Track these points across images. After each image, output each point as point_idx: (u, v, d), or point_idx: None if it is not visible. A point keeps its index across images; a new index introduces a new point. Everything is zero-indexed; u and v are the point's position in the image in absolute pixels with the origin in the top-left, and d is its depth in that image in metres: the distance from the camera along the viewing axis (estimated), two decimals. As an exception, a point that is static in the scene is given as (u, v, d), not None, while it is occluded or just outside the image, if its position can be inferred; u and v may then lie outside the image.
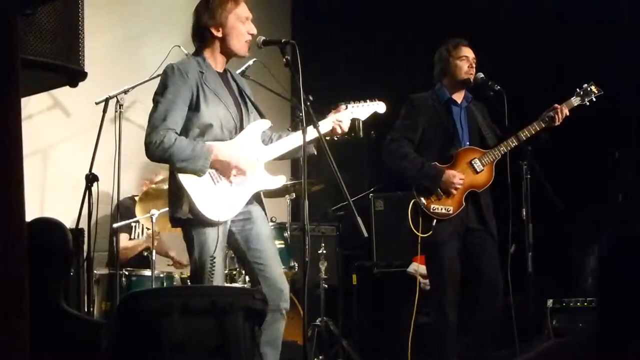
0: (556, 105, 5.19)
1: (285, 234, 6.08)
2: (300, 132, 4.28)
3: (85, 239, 5.49)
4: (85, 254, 5.48)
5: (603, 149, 6.35)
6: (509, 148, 5.15)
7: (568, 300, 5.60)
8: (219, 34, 4.26)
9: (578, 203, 5.80)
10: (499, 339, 5.39)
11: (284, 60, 4.13)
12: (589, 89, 5.27)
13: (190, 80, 4.15)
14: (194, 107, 4.16)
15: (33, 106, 5.95)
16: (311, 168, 4.19)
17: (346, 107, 4.53)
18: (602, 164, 6.34)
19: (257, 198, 4.40)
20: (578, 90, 5.28)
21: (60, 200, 6.08)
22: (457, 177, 5.11)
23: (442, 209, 5.14)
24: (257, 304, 3.35)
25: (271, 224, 6.01)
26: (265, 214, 4.41)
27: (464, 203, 5.14)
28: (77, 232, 5.33)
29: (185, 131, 4.16)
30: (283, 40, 4.19)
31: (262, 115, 4.46)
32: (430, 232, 5.12)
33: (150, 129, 4.11)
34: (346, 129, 4.40)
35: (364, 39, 7.71)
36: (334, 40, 7.82)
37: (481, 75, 5.27)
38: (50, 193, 6.19)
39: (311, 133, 4.19)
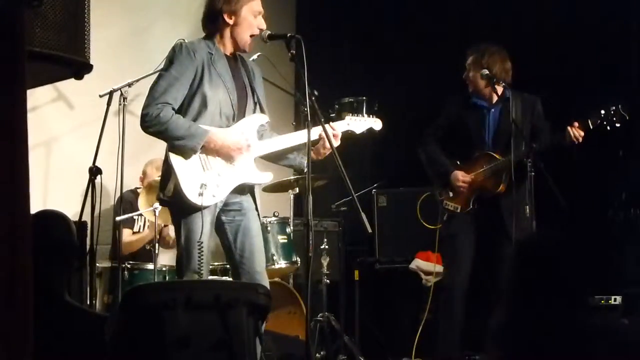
0: (575, 122, 5.07)
1: (288, 229, 6.07)
2: (298, 133, 4.35)
3: (88, 231, 5.49)
4: (87, 246, 5.48)
5: (607, 147, 6.33)
6: (517, 161, 5.06)
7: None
8: (231, 21, 4.31)
9: (582, 201, 5.79)
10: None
11: (289, 54, 4.13)
12: (612, 112, 5.04)
13: (196, 60, 4.21)
14: (197, 87, 4.20)
15: (37, 98, 5.94)
16: (314, 163, 4.18)
17: (344, 119, 4.64)
18: (607, 163, 6.32)
19: (250, 191, 4.41)
20: (603, 112, 5.06)
21: (63, 192, 6.07)
22: (461, 179, 5.33)
23: (451, 206, 5.41)
24: (260, 298, 3.35)
25: (274, 218, 6.05)
26: (257, 208, 4.42)
27: (471, 205, 5.33)
28: (80, 224, 5.33)
29: (183, 110, 4.20)
30: (289, 35, 4.19)
31: (262, 110, 4.47)
32: (440, 225, 5.41)
33: (149, 101, 4.17)
34: (335, 143, 4.28)
35: (368, 34, 7.69)
36: (339, 35, 7.81)
37: (486, 72, 5.28)
38: (54, 185, 6.18)
39: (293, 140, 4.34)
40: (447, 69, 6.47)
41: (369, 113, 4.83)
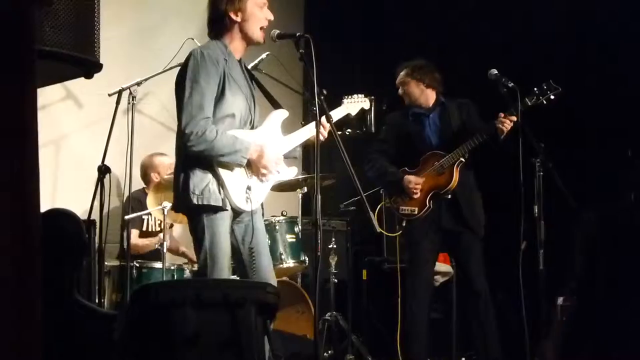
0: (501, 114, 5.31)
1: (296, 229, 6.07)
2: (305, 128, 4.40)
3: (97, 230, 5.49)
4: (96, 245, 5.49)
5: (616, 147, 6.32)
6: (465, 151, 5.43)
7: (578, 298, 5.59)
8: (238, 19, 4.26)
9: (590, 201, 5.78)
10: (510, 335, 5.41)
11: (299, 54, 4.12)
12: (544, 86, 5.35)
13: (219, 67, 4.16)
14: (220, 96, 4.16)
15: (46, 97, 5.95)
16: (323, 163, 4.18)
17: (342, 103, 4.79)
18: (615, 163, 6.31)
19: None
20: (535, 89, 5.35)
21: (72, 191, 6.08)
22: (413, 182, 5.52)
23: (407, 210, 5.57)
24: (269, 297, 3.35)
25: (282, 218, 6.05)
26: (262, 207, 4.44)
27: (428, 204, 5.51)
28: (89, 223, 5.34)
29: None
30: (298, 34, 4.18)
31: (279, 105, 4.48)
32: (400, 232, 5.60)
33: (188, 118, 4.08)
34: (325, 134, 4.34)
35: (377, 33, 7.69)
36: (347, 34, 7.81)
37: (495, 71, 5.30)
38: (63, 184, 6.20)
39: (306, 133, 4.42)
40: (455, 68, 6.48)
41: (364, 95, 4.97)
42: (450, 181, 5.47)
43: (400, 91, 5.76)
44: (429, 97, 5.71)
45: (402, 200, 5.57)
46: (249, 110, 4.29)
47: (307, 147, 4.57)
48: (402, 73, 5.76)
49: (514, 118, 5.28)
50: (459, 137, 5.50)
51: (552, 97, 5.34)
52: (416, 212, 5.52)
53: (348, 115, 4.84)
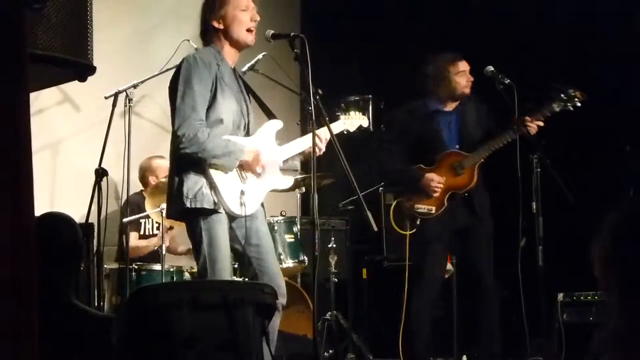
0: (527, 117, 5.24)
1: (295, 228, 6.07)
2: (306, 137, 4.38)
3: (95, 233, 5.49)
4: (95, 248, 5.49)
5: (614, 142, 6.32)
6: (488, 152, 5.35)
7: (579, 294, 5.60)
8: (221, 26, 4.27)
9: (589, 196, 5.79)
10: (510, 333, 5.41)
11: (294, 54, 4.12)
12: (572, 94, 5.28)
13: (212, 71, 4.16)
14: (212, 100, 4.17)
15: (43, 101, 5.94)
16: (321, 162, 4.19)
17: (339, 119, 4.74)
18: (613, 157, 6.31)
19: None
20: (562, 95, 5.28)
21: (70, 194, 6.07)
22: (436, 180, 5.36)
23: (424, 209, 5.41)
24: (267, 298, 3.35)
25: (281, 217, 6.05)
26: (264, 209, 4.43)
27: (445, 203, 5.38)
28: (87, 226, 5.33)
29: None
30: (292, 34, 4.19)
31: (273, 116, 4.47)
32: (414, 229, 5.39)
33: (181, 120, 4.09)
34: (323, 147, 4.32)
35: (374, 32, 7.69)
36: (344, 34, 7.80)
37: (491, 68, 5.30)
38: (60, 188, 6.19)
39: (303, 144, 4.40)
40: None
41: (360, 111, 4.94)
42: (471, 182, 5.38)
43: (434, 74, 5.52)
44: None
45: (418, 199, 5.42)
46: (242, 114, 4.28)
47: (307, 157, 4.51)
48: (440, 66, 5.54)
49: (541, 123, 5.23)
50: (478, 138, 5.43)
51: (578, 104, 5.27)
52: (433, 212, 5.40)
53: (347, 131, 4.77)
